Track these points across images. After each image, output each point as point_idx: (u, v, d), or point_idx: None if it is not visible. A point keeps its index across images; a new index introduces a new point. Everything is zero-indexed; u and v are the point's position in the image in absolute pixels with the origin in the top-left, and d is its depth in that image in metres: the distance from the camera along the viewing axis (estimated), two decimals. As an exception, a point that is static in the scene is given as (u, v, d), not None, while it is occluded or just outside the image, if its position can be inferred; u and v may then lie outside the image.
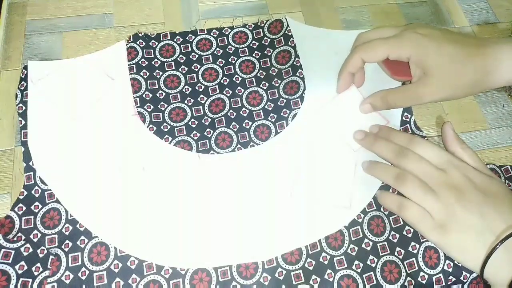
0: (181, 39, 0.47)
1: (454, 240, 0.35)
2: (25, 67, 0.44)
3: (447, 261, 0.38)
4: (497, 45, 0.40)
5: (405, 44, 0.41)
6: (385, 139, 0.41)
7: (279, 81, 0.46)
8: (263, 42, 0.48)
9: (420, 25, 0.43)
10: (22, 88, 0.43)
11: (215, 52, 0.47)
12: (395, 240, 0.39)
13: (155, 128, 0.42)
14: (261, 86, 0.46)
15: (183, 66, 0.46)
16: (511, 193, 0.37)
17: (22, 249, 0.36)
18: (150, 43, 0.47)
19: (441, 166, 0.38)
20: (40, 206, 0.38)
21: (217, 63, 0.47)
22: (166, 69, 0.46)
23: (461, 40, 0.41)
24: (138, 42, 0.46)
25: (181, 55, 0.47)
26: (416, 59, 0.40)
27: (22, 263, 0.35)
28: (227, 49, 0.47)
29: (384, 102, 0.42)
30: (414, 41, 0.40)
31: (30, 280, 0.35)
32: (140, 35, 0.47)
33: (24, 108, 0.42)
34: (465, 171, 0.38)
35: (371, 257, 0.38)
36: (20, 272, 0.35)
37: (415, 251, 0.39)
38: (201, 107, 0.44)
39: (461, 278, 0.38)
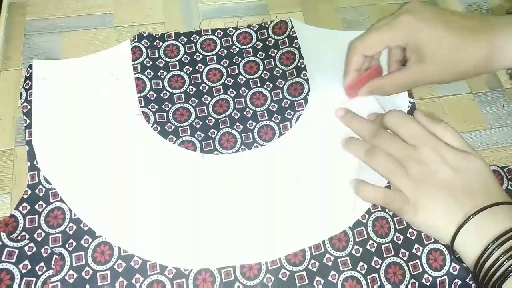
0: (186, 39, 0.47)
1: (424, 218, 0.35)
2: (30, 66, 0.44)
3: (453, 264, 0.38)
4: (501, 25, 0.38)
5: (398, 31, 0.39)
6: (361, 117, 0.43)
7: (283, 82, 0.46)
8: (267, 43, 0.48)
9: (417, 5, 0.40)
10: (27, 87, 0.43)
11: (219, 52, 0.47)
12: (400, 242, 0.39)
13: (159, 128, 0.42)
14: (265, 87, 0.46)
15: (187, 66, 0.46)
16: (488, 171, 0.36)
17: (26, 248, 0.36)
18: (155, 43, 0.47)
19: (413, 141, 0.37)
20: (44, 205, 0.38)
21: (221, 63, 0.47)
22: (171, 69, 0.46)
23: (460, 22, 0.39)
24: (142, 42, 0.46)
25: (185, 55, 0.47)
26: (411, 46, 0.39)
27: (26, 262, 0.35)
28: (231, 50, 0.48)
29: (379, 88, 0.42)
30: (408, 27, 0.39)
31: (34, 279, 0.35)
32: (144, 35, 0.47)
33: (28, 107, 0.42)
34: (436, 147, 0.36)
35: (375, 258, 0.38)
36: (24, 271, 0.35)
37: (418, 253, 0.39)
38: (205, 107, 0.44)
39: (467, 280, 0.38)
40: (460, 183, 0.35)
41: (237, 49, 0.48)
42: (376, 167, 0.38)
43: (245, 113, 0.44)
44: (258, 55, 0.47)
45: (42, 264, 0.36)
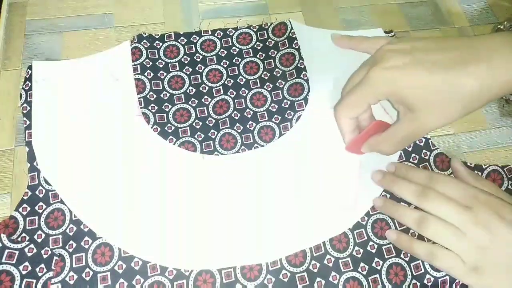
0: (185, 40, 0.47)
1: (491, 281, 0.33)
2: (30, 67, 0.44)
3: None
4: (497, 46, 0.34)
5: (372, 88, 0.36)
6: (404, 178, 0.38)
7: (283, 83, 0.46)
8: (267, 43, 0.48)
9: (384, 52, 0.37)
10: (27, 88, 0.43)
11: (219, 53, 0.47)
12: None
13: (159, 129, 0.42)
14: (265, 87, 0.46)
15: (187, 67, 0.46)
16: None
17: (26, 249, 0.36)
18: (155, 44, 0.47)
19: (467, 203, 0.35)
20: (44, 207, 0.38)
21: (221, 64, 0.47)
22: (170, 70, 0.46)
23: (441, 57, 0.35)
24: (142, 43, 0.46)
25: (185, 56, 0.47)
26: (393, 99, 0.36)
27: (26, 263, 0.35)
28: (231, 50, 0.47)
29: (376, 147, 0.39)
30: (380, 82, 0.35)
31: (34, 280, 0.35)
32: (144, 35, 0.47)
33: (28, 108, 0.42)
34: (494, 205, 0.34)
35: (376, 259, 0.38)
36: (24, 272, 0.35)
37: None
38: (205, 108, 0.44)
39: None
40: None
41: (237, 49, 0.48)
42: (433, 238, 0.35)
43: (245, 113, 0.44)
44: (258, 56, 0.47)
45: (42, 265, 0.36)
